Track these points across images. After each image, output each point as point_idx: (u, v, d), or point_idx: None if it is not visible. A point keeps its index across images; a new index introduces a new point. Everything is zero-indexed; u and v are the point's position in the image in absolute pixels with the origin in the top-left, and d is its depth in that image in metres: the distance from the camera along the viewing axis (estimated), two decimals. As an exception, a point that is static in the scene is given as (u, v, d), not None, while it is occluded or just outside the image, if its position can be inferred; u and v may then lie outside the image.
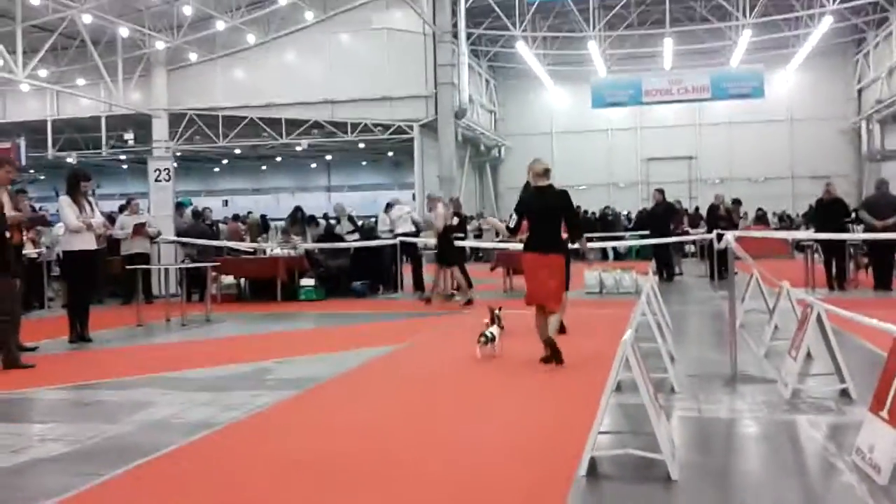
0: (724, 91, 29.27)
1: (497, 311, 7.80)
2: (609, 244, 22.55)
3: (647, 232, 17.42)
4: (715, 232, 13.46)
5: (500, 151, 37.87)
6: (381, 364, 7.51)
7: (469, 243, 15.10)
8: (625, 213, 30.58)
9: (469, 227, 19.95)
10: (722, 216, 16.36)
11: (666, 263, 16.47)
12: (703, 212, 19.13)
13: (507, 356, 7.40)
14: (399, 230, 14.65)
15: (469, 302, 12.14)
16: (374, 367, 7.33)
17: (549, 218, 7.18)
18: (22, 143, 31.82)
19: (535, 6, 29.16)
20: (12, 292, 7.52)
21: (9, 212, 7.70)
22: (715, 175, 35.04)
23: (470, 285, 14.26)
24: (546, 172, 7.24)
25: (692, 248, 22.28)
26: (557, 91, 36.95)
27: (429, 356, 8.10)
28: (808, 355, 6.19)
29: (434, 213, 13.16)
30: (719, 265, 14.08)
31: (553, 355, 6.83)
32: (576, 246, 7.68)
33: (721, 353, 6.99)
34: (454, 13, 28.70)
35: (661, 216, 16.73)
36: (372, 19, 30.33)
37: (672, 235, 16.32)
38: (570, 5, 29.64)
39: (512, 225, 7.37)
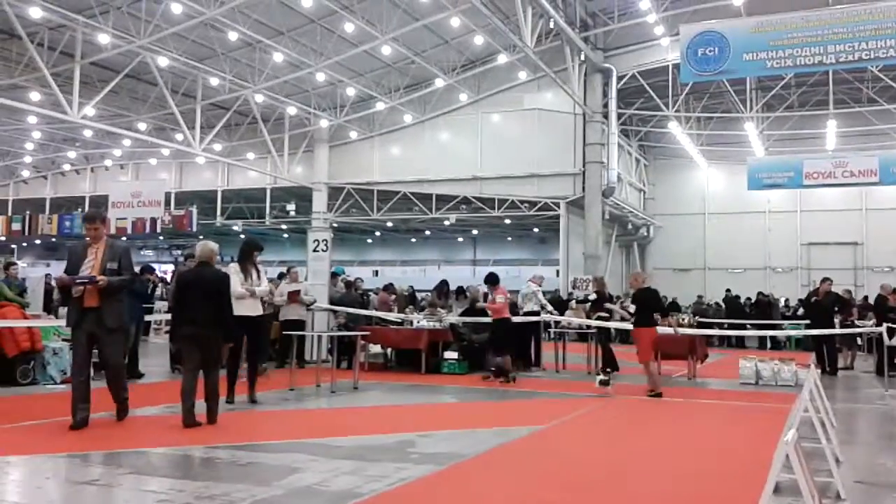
0: (893, 176, 27.54)
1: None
2: (767, 332, 21.41)
3: (807, 321, 16.47)
4: (885, 326, 12.52)
5: (648, 231, 37.16)
6: (526, 443, 7.39)
7: (614, 324, 14.76)
8: (783, 300, 28.95)
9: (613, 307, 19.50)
10: (893, 307, 15.22)
11: (830, 356, 15.43)
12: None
13: (651, 454, 7.11)
14: (526, 309, 14.60)
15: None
16: (519, 446, 7.22)
17: None
18: (194, 210, 34.46)
19: (688, 87, 28.85)
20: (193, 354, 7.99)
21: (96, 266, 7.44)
22: (883, 263, 32.74)
23: (615, 367, 13.92)
24: None
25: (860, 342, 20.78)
26: (711, 171, 36.10)
27: (575, 439, 7.90)
28: None
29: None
30: (889, 361, 13.06)
31: None
32: None
33: (893, 459, 6.42)
34: (605, 94, 28.85)
35: (828, 307, 15.81)
36: (523, 100, 30.99)
37: (840, 327, 15.37)
38: (725, 86, 29.11)
39: None
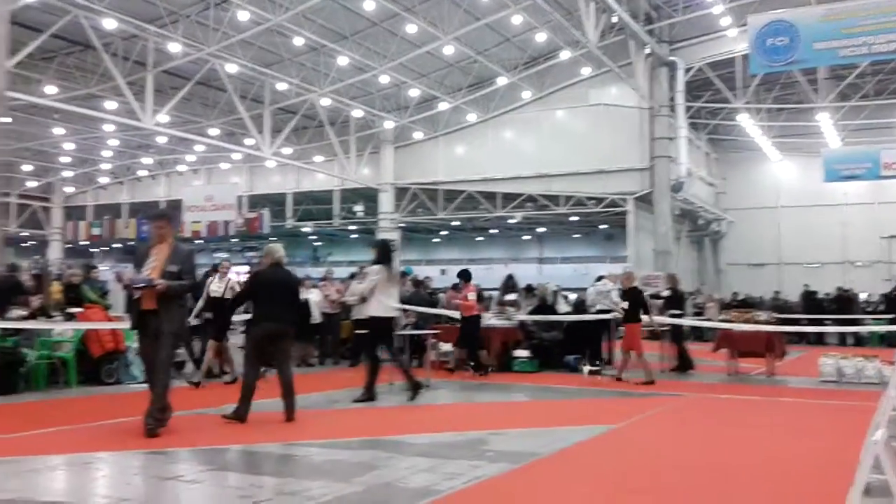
0: (975, 164, 26.28)
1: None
2: (849, 329, 20.70)
3: (891, 316, 15.87)
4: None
5: (720, 226, 36.36)
6: (602, 442, 7.32)
7: (688, 321, 14.48)
8: (864, 295, 27.89)
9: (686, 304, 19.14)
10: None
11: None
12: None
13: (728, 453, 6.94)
14: (599, 306, 14.42)
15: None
16: (594, 445, 7.16)
17: None
18: (266, 213, 35.14)
19: (758, 78, 28.10)
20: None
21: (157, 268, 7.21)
22: (970, 256, 31.36)
23: (690, 365, 13.71)
24: None
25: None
26: (784, 164, 35.07)
27: (650, 438, 7.79)
28: None
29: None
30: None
31: None
32: None
33: None
34: (671, 87, 28.33)
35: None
36: (588, 95, 30.67)
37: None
38: (797, 76, 28.26)
39: None
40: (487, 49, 28.26)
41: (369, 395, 9.69)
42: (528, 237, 46.34)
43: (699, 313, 22.90)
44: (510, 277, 16.30)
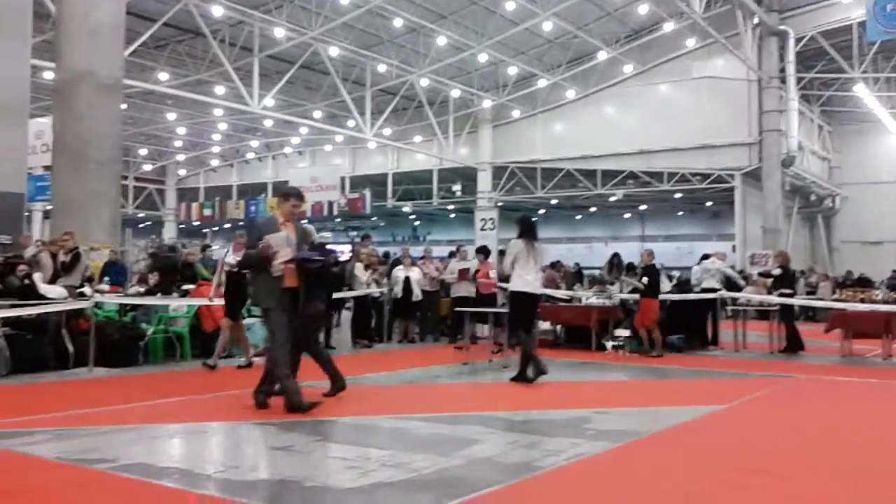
0: None
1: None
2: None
3: None
4: None
5: (834, 202, 34.73)
6: (707, 422, 7.17)
7: (799, 301, 13.94)
8: None
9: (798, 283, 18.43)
10: None
11: None
12: None
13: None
14: (704, 285, 14.02)
15: None
16: (697, 426, 7.02)
17: None
18: (368, 193, 35.80)
19: (875, 46, 26.55)
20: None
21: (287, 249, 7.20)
22: None
23: (800, 346, 13.25)
24: None
25: None
26: (905, 136, 33.17)
27: (756, 420, 7.57)
28: None
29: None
30: None
31: None
32: None
33: None
34: (781, 58, 27.13)
35: None
36: (692, 68, 29.77)
37: None
38: (921, 41, 26.56)
39: None
40: (587, 24, 27.78)
41: (525, 376, 9.21)
42: (630, 215, 45.45)
43: (811, 293, 21.99)
44: (616, 256, 16.07)
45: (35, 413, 6.91)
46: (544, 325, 14.19)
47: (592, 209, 43.07)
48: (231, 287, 10.08)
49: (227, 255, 10.39)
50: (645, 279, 12.82)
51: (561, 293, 15.72)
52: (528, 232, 9.46)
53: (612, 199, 35.11)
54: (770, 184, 27.10)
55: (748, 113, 28.14)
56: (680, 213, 43.87)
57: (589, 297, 14.37)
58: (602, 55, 29.91)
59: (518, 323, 9.58)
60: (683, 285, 15.40)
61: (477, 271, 13.52)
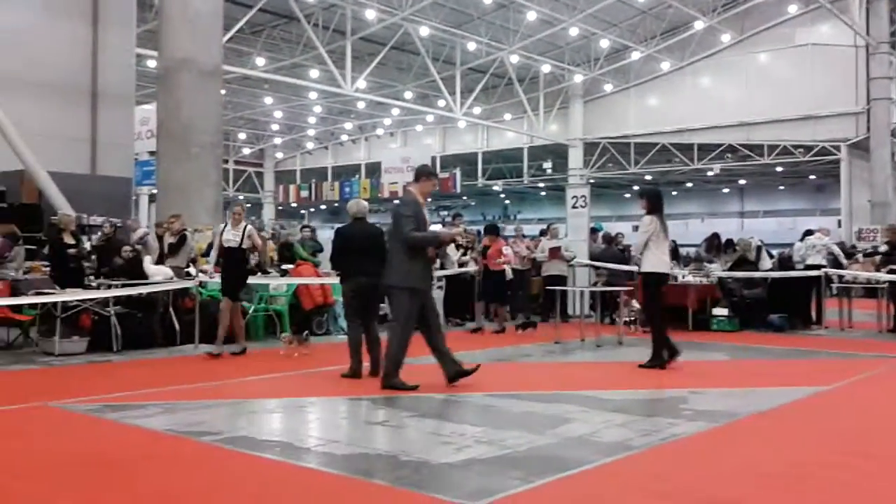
0: None
1: None
2: None
3: None
4: None
5: (949, 173, 32.73)
6: (811, 403, 6.94)
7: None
8: None
9: None
10: None
11: None
12: None
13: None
14: (809, 261, 13.47)
15: None
16: (799, 407, 6.80)
17: None
18: (458, 173, 35.91)
19: None
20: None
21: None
22: None
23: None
24: None
25: None
26: None
27: (861, 402, 7.28)
28: None
29: None
30: None
31: None
32: None
33: None
34: (892, 21, 25.64)
35: None
36: (794, 35, 28.52)
37: None
38: None
39: None
40: (683, -8, 26.97)
41: (659, 361, 8.78)
42: (728, 190, 44.14)
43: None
44: (715, 236, 15.58)
45: (146, 387, 7.28)
46: (637, 305, 13.95)
47: (689, 185, 42.01)
48: (231, 265, 9.55)
49: (226, 230, 9.55)
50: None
51: (656, 271, 15.39)
52: (659, 207, 8.88)
53: (710, 173, 34.10)
54: (879, 155, 25.77)
55: (855, 81, 26.79)
56: (781, 188, 42.31)
57: (685, 275, 14.03)
58: (698, 25, 28.98)
59: (653, 305, 9.18)
60: (785, 262, 14.85)
61: (487, 248, 12.84)
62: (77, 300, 9.56)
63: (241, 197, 46.31)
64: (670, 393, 7.33)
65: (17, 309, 9.87)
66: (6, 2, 15.22)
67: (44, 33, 15.66)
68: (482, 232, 13.70)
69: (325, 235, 15.32)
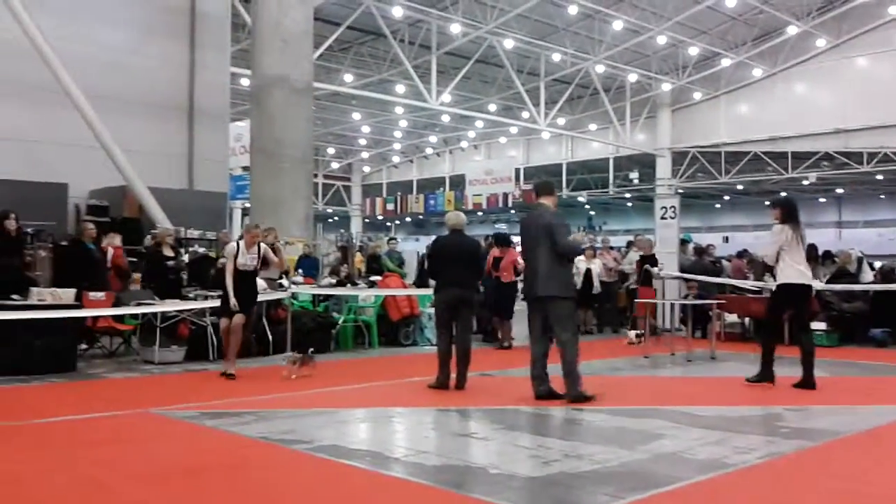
0: None
1: None
2: None
3: None
4: None
5: None
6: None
7: None
8: None
9: None
10: None
11: None
12: None
13: None
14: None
15: None
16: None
17: None
18: (542, 184, 35.70)
19: None
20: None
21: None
22: None
23: None
24: None
25: None
26: None
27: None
28: None
29: None
30: None
31: None
32: None
33: None
34: None
35: None
36: (894, 38, 27.28)
37: None
38: None
39: None
40: (775, -3, 26.18)
41: (765, 375, 8.49)
42: (824, 200, 42.49)
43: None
44: (812, 248, 15.01)
45: (241, 396, 7.51)
46: (731, 318, 13.59)
47: (782, 194, 40.58)
48: (246, 286, 8.90)
49: (240, 254, 8.84)
50: (656, 269, 13.00)
51: (749, 284, 14.96)
52: (793, 216, 8.48)
53: (805, 182, 32.93)
54: None
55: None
56: (882, 196, 40.47)
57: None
58: (792, 30, 28.06)
59: (776, 319, 8.88)
60: (888, 275, 14.19)
61: (499, 259, 12.09)
62: (175, 311, 9.93)
63: (329, 210, 47.29)
64: (766, 410, 7.10)
65: (119, 319, 10.34)
66: (110, 24, 15.98)
67: (145, 54, 16.38)
68: (493, 242, 13.00)
69: (409, 247, 15.46)
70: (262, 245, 9.20)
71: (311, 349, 8.94)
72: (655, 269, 13.33)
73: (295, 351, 9.19)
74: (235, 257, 8.79)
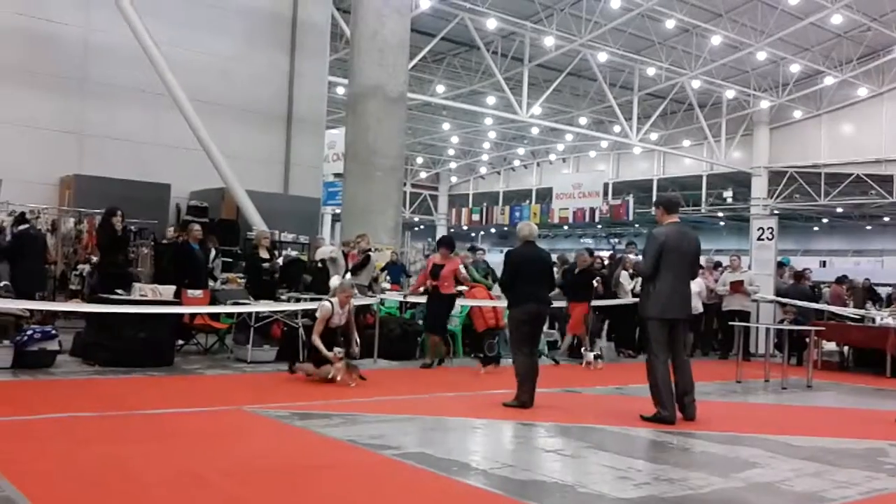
0: None
1: None
2: None
3: None
4: None
5: None
6: None
7: None
8: None
9: None
10: None
11: None
12: None
13: None
14: None
15: None
16: None
17: None
18: (631, 199, 35.22)
19: None
20: None
21: None
22: None
23: None
24: None
25: None
26: None
27: None
28: None
29: None
30: None
31: None
32: None
33: None
34: None
35: None
36: None
37: None
38: None
39: None
40: (885, 14, 25.15)
41: None
42: (931, 226, 40.41)
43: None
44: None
45: (329, 398, 7.63)
46: (829, 346, 13.07)
47: (885, 219, 38.88)
48: (332, 338, 8.79)
49: (334, 314, 8.83)
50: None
51: (849, 311, 14.36)
52: None
53: (911, 207, 31.47)
54: None
55: None
56: None
57: (885, 317, 12.98)
58: (902, 48, 26.92)
59: None
60: None
61: (440, 267, 10.60)
62: (269, 311, 10.18)
63: (416, 218, 47.72)
64: (868, 444, 6.77)
65: (215, 317, 10.67)
66: (214, 34, 16.57)
67: (247, 62, 16.93)
68: (436, 246, 11.84)
69: (494, 259, 15.40)
70: (352, 306, 9.21)
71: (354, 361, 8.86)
72: (752, 288, 12.97)
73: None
74: (328, 319, 8.76)
